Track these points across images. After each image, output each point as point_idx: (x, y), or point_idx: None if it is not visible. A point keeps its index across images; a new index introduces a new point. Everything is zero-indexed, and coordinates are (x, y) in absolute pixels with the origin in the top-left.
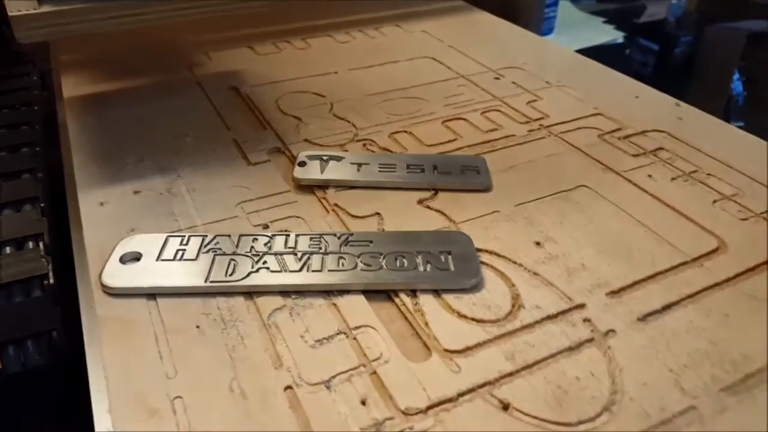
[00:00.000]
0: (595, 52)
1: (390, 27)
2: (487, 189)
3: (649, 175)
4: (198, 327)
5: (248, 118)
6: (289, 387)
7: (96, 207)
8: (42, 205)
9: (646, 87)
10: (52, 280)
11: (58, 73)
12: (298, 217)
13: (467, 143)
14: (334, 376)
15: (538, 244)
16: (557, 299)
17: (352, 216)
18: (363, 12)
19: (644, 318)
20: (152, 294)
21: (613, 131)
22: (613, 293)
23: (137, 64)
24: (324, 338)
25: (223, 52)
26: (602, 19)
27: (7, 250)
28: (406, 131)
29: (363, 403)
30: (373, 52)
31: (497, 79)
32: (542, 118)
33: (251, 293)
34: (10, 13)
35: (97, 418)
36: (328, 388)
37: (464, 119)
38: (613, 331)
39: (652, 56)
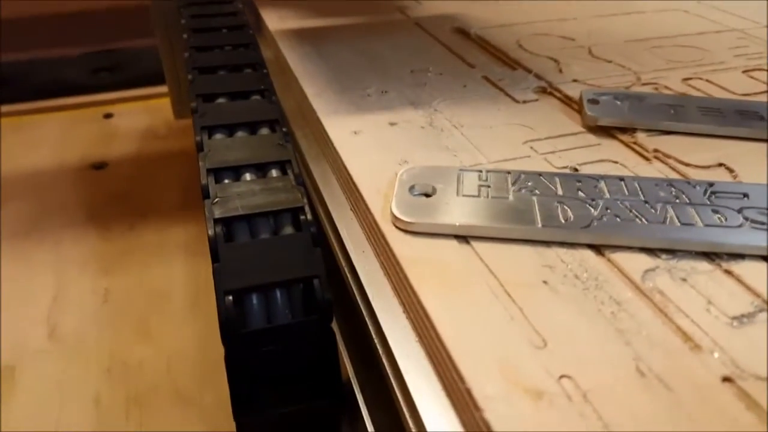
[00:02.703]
0: None
1: None
2: None
3: None
4: (546, 282)
5: (489, 58)
6: (727, 379)
7: (350, 136)
8: (284, 129)
9: None
10: (309, 216)
11: (254, 6)
12: (614, 162)
13: None
14: None
15: None
16: None
17: (688, 165)
18: None
19: None
20: (463, 236)
21: None
22: None
23: (339, 4)
24: (742, 315)
25: None
26: None
27: (246, 176)
28: (700, 78)
29: None
30: (607, 4)
31: None
32: None
33: (599, 246)
34: None
35: (427, 388)
36: None
37: None
38: None
39: None
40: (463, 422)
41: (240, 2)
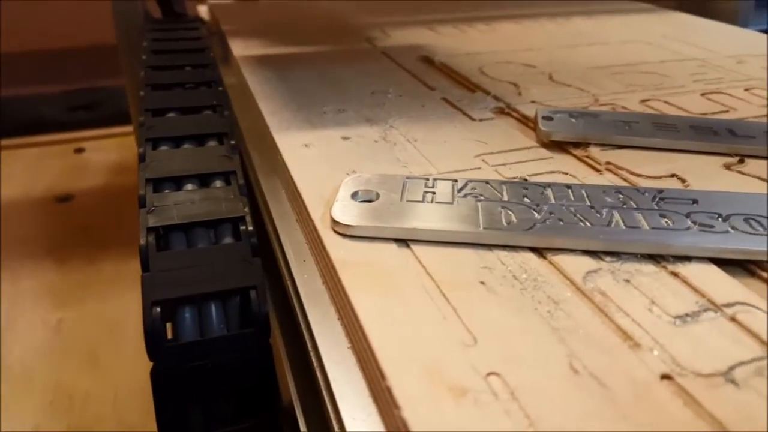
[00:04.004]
0: None
1: (580, 18)
2: None
3: None
4: (483, 283)
5: (451, 82)
6: (667, 376)
7: (300, 148)
8: (233, 142)
9: None
10: (250, 227)
11: (223, 37)
12: (564, 173)
13: (749, 114)
14: (732, 367)
15: None
16: None
17: (639, 175)
18: (547, 6)
19: None
20: (403, 240)
21: None
22: None
23: (307, 35)
24: (685, 314)
25: (401, 30)
26: None
27: (189, 186)
28: (660, 100)
29: None
30: (573, 35)
31: (741, 63)
32: None
33: (541, 249)
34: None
35: (349, 394)
36: (732, 382)
37: (727, 93)
38: None
39: None
40: (386, 425)
41: (205, 29)
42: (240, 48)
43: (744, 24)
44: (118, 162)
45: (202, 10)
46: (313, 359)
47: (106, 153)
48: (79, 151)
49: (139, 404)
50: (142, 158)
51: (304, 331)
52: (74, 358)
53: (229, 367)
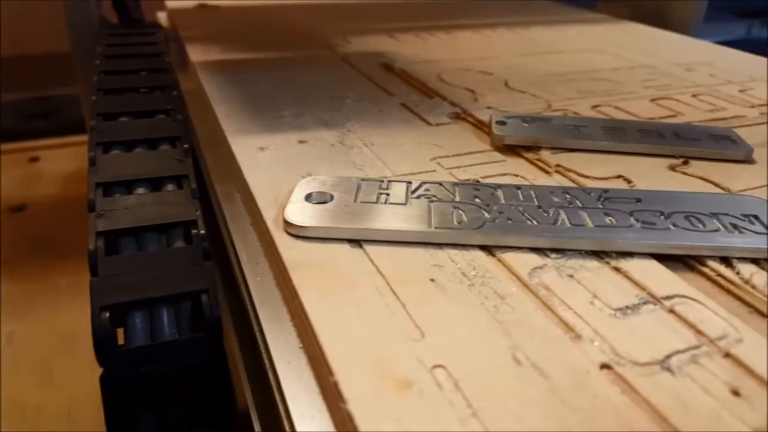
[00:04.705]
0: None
1: (538, 28)
2: (747, 160)
3: None
4: (433, 281)
5: (409, 88)
6: (606, 366)
7: (255, 152)
8: (186, 146)
9: None
10: (202, 230)
11: (181, 43)
12: (516, 175)
13: (695, 118)
14: (669, 356)
15: None
16: None
17: (587, 177)
18: (507, 15)
19: None
20: (356, 240)
21: None
22: None
23: (267, 42)
24: (626, 307)
25: (362, 37)
26: None
27: (140, 191)
28: (611, 106)
29: (735, 393)
30: (530, 44)
31: (690, 70)
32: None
33: (490, 247)
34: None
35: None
36: (668, 370)
37: (675, 99)
38: None
39: None
40: (334, 420)
41: (163, 34)
42: (198, 53)
43: (695, 34)
44: (73, 171)
45: (161, 16)
46: (266, 360)
47: (61, 162)
48: (34, 160)
49: (95, 416)
50: (92, 162)
51: (257, 333)
52: (26, 372)
53: (182, 371)
